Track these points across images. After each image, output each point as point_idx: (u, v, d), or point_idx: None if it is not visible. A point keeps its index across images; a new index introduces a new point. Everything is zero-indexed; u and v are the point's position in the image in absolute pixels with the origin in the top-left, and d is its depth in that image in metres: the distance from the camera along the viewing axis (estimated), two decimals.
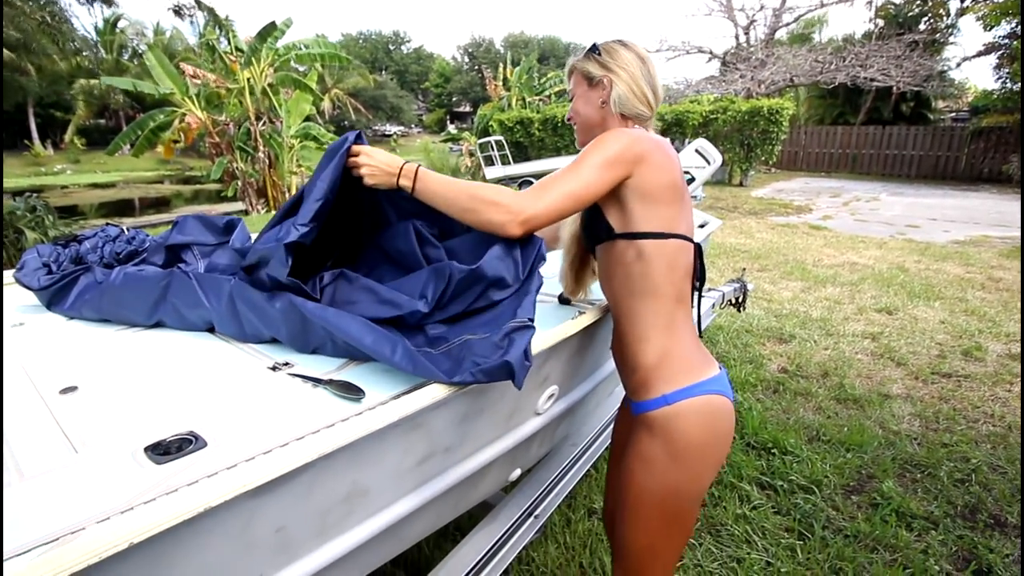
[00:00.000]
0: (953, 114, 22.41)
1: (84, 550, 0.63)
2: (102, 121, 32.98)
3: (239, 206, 13.75)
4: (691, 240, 1.20)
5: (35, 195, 7.17)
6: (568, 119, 1.36)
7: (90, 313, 1.51)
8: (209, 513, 0.70)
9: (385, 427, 0.87)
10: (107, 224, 1.86)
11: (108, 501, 0.74)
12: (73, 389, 1.12)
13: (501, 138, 14.53)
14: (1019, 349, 3.85)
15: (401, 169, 1.19)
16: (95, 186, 23.36)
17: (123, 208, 17.99)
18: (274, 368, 1.17)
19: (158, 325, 1.45)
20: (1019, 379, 3.40)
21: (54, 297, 1.59)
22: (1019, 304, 4.84)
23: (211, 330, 1.41)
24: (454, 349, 1.06)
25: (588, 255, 1.41)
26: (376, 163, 1.20)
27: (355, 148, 1.24)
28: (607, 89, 1.26)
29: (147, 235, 1.84)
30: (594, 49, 1.29)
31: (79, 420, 1.00)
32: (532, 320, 1.08)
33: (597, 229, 1.21)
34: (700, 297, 1.31)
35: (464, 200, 1.12)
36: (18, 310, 1.64)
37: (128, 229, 1.84)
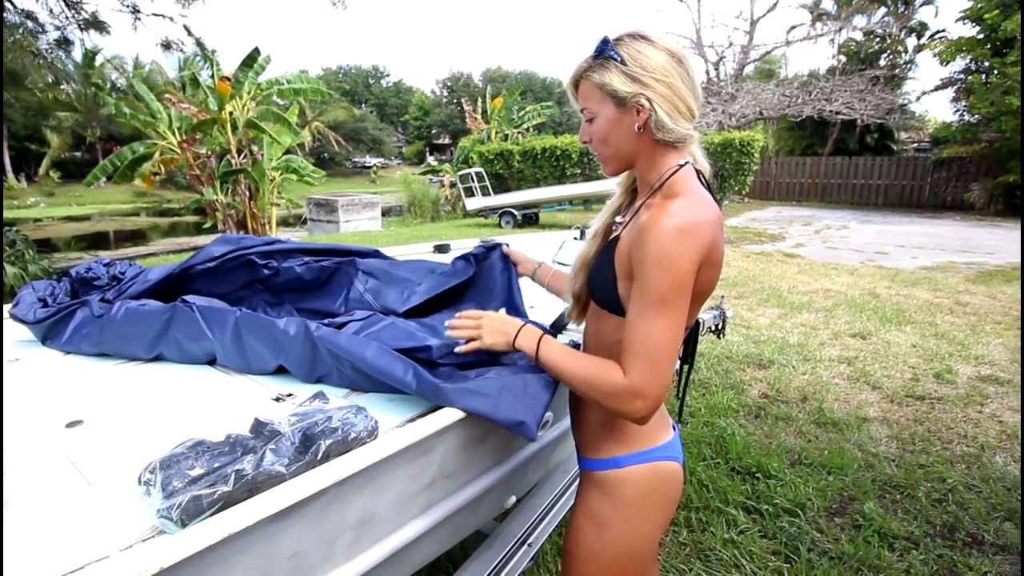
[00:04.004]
0: (915, 145, 23.38)
1: None
2: (78, 154, 32.69)
3: None
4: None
5: (13, 229, 7.05)
6: (584, 142, 1.08)
7: (88, 347, 1.51)
8: (232, 538, 0.72)
9: (396, 453, 0.91)
10: (100, 257, 1.87)
11: (129, 529, 0.77)
12: (79, 423, 1.13)
13: (481, 170, 14.76)
14: (989, 371, 3.99)
15: (518, 333, 1.10)
16: (69, 219, 22.98)
17: (98, 241, 17.71)
18: (278, 399, 1.20)
19: (158, 359, 1.47)
20: (989, 400, 3.53)
21: (49, 331, 1.59)
22: (987, 327, 5.03)
23: (211, 362, 1.43)
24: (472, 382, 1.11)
25: None
26: (492, 328, 1.13)
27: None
28: (644, 112, 0.97)
29: (141, 267, 1.85)
30: (612, 53, 0.98)
31: (88, 453, 1.02)
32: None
33: (607, 297, 1.06)
34: (688, 375, 1.29)
35: (581, 386, 1.01)
36: (12, 345, 1.63)
37: (124, 262, 1.85)
